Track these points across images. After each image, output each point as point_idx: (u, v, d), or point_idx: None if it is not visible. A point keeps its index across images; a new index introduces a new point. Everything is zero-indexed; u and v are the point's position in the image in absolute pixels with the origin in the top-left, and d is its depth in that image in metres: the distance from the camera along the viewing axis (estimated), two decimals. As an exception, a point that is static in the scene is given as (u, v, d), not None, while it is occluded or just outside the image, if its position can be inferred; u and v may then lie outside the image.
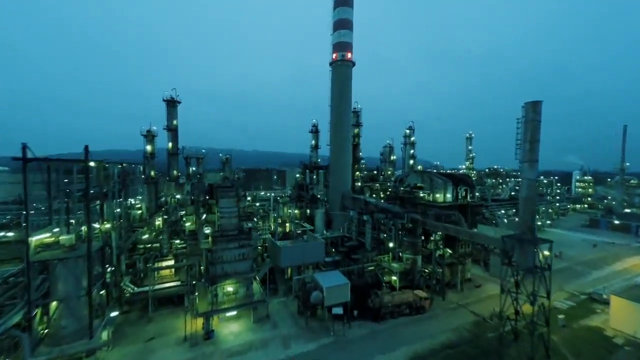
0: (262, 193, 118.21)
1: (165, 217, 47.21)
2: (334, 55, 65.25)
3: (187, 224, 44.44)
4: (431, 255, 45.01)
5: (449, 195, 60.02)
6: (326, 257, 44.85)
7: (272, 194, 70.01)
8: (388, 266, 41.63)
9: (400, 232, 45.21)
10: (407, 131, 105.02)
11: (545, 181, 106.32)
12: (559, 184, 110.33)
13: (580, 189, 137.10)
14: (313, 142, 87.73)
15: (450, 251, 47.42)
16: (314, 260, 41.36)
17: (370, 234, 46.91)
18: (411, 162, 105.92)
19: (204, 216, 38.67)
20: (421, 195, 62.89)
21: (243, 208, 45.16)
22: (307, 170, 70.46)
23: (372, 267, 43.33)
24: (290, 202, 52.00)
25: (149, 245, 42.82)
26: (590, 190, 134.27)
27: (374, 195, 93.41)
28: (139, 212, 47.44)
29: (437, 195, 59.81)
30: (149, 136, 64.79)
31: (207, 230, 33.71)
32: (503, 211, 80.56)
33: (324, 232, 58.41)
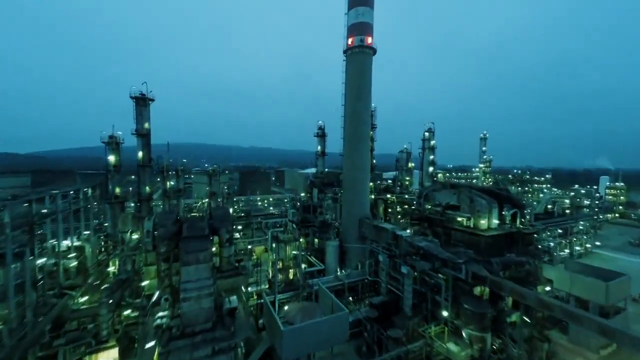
0: (259, 203, 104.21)
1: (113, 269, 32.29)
2: (350, 41, 50.34)
3: (145, 282, 29.96)
4: (499, 323, 31.20)
5: (494, 221, 46.75)
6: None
7: (271, 217, 56.63)
8: (445, 353, 27.58)
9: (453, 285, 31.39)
10: (426, 134, 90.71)
11: (583, 191, 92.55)
12: (598, 194, 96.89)
13: (610, 197, 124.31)
14: (319, 147, 73.00)
15: (520, 314, 33.32)
16: (333, 344, 27.34)
17: (411, 291, 32.66)
18: (430, 169, 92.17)
19: (156, 296, 24.02)
20: (458, 219, 49.33)
21: (227, 257, 30.76)
22: (315, 188, 55.81)
23: (419, 346, 29.17)
24: (294, 240, 37.44)
25: (86, 318, 28.18)
26: (622, 198, 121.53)
27: (390, 210, 79.73)
28: (73, 263, 32.16)
29: (482, 222, 46.17)
30: (112, 144, 50.25)
31: (152, 342, 19.32)
32: (549, 233, 66.15)
33: (338, 271, 44.51)
